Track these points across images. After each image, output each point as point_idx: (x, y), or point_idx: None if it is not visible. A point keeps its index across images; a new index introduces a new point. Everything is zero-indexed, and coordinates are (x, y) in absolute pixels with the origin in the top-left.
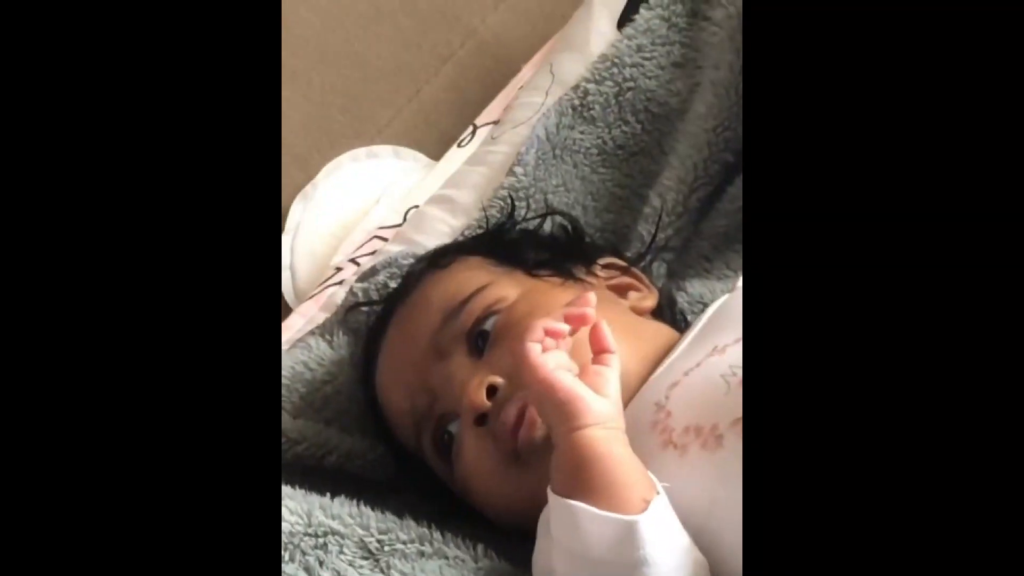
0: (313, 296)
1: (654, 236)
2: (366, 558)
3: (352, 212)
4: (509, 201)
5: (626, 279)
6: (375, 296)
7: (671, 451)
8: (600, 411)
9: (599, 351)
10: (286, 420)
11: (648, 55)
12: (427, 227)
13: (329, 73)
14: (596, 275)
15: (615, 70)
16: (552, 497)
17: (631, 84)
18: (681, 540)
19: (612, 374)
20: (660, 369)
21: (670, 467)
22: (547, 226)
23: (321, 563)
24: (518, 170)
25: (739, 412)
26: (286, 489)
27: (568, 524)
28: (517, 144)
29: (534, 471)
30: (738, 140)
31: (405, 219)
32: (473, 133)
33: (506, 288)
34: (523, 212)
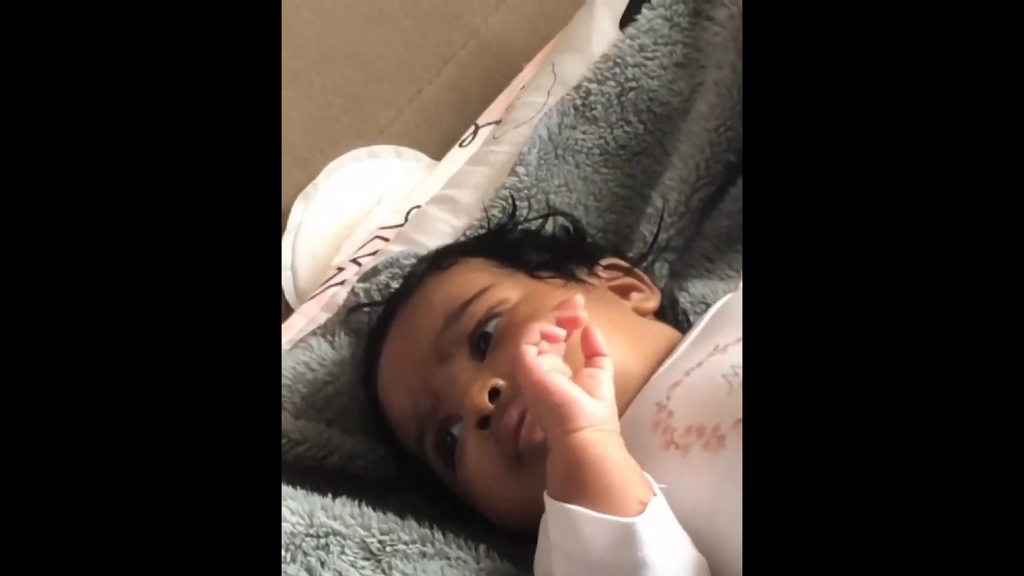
0: (314, 296)
1: (655, 236)
2: (368, 559)
3: (353, 212)
4: (511, 201)
5: (628, 280)
6: (377, 296)
7: (673, 451)
8: (594, 413)
9: (591, 355)
10: (288, 421)
11: (650, 55)
12: (429, 227)
13: (330, 73)
14: (598, 276)
15: (617, 70)
16: (549, 502)
17: (633, 84)
18: (680, 541)
19: (605, 376)
20: (662, 369)
21: (672, 467)
22: (549, 227)
23: (323, 564)
24: (520, 170)
25: (741, 412)
26: (288, 490)
27: (566, 528)
28: (519, 144)
29: (536, 473)
30: (740, 140)
31: (407, 219)
32: (475, 133)
33: (508, 290)
34: (525, 212)
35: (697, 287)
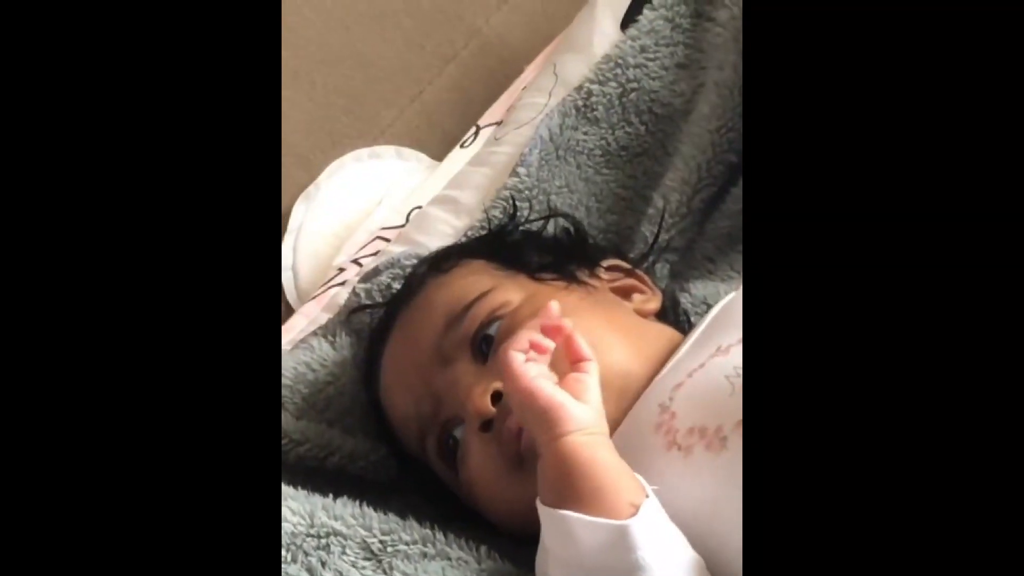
0: (315, 297)
1: (656, 237)
2: (368, 559)
3: (355, 213)
4: (512, 202)
5: (630, 281)
6: (378, 297)
7: (675, 452)
8: (581, 417)
9: (576, 360)
10: (289, 421)
11: (652, 56)
12: (430, 228)
13: (332, 73)
14: (600, 278)
15: (619, 71)
16: (541, 508)
17: (635, 85)
18: (676, 541)
19: (592, 381)
20: (664, 370)
21: (674, 469)
22: (550, 228)
23: (324, 564)
24: (521, 171)
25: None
26: (289, 490)
27: (560, 533)
28: (520, 145)
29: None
30: (742, 141)
31: (408, 220)
32: (476, 134)
33: (509, 292)
34: (526, 213)
35: (698, 288)
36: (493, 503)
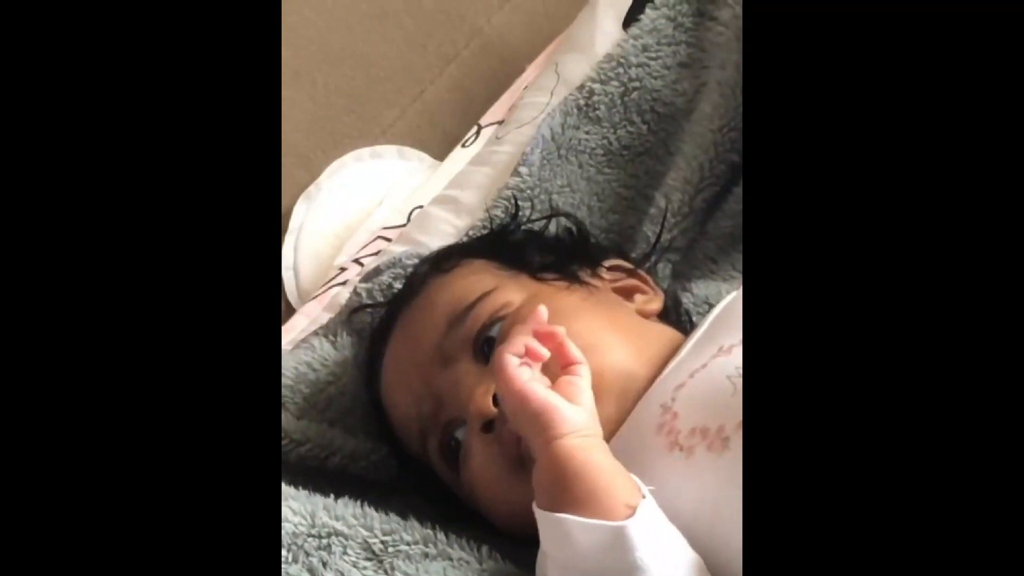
0: (316, 296)
1: (658, 236)
2: (370, 559)
3: (356, 212)
4: (513, 202)
5: (632, 281)
6: (379, 297)
7: (677, 453)
8: (574, 420)
9: (567, 364)
10: (290, 421)
11: (654, 55)
12: (431, 227)
13: (333, 73)
14: (602, 278)
15: (620, 70)
16: (538, 512)
17: (637, 84)
18: (674, 541)
19: (584, 383)
20: (666, 371)
21: (676, 469)
22: (552, 227)
23: (325, 564)
24: (523, 170)
25: None
26: (290, 490)
27: (557, 536)
28: (522, 144)
29: None
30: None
31: (409, 219)
32: (477, 133)
33: (511, 292)
34: (527, 213)
35: (700, 288)
36: (494, 504)
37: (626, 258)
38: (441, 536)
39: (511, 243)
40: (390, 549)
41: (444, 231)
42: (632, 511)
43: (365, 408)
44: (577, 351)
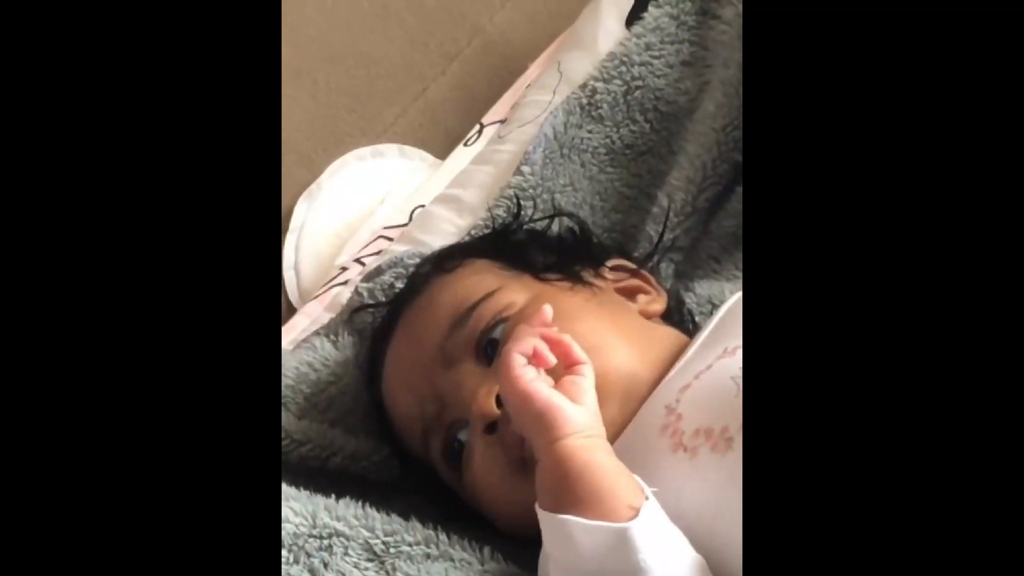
0: (318, 296)
1: (661, 236)
2: (371, 560)
3: (357, 211)
4: (516, 201)
5: (635, 281)
6: (381, 296)
7: (681, 454)
8: (578, 420)
9: (571, 364)
10: (291, 421)
11: (657, 53)
12: (433, 227)
13: (335, 72)
14: (604, 278)
15: (623, 68)
16: (541, 514)
17: (640, 83)
18: (677, 542)
19: (587, 383)
20: (672, 372)
21: (680, 470)
22: (555, 227)
23: (326, 565)
24: (525, 169)
25: None
26: (291, 490)
27: (560, 538)
28: (524, 143)
29: None
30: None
31: (411, 218)
32: (480, 132)
33: (514, 293)
34: (530, 212)
35: (703, 287)
36: (497, 505)
37: (629, 258)
38: (443, 537)
39: (513, 243)
40: (392, 550)
41: (446, 230)
42: (635, 512)
43: (366, 408)
44: (581, 351)
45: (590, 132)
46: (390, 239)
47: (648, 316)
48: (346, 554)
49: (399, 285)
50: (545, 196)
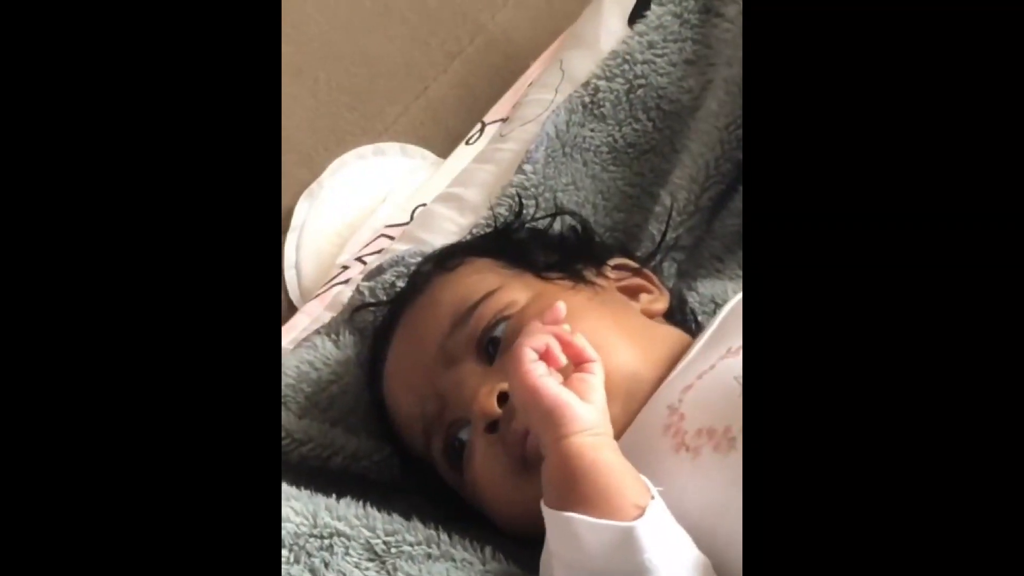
0: (319, 295)
1: (663, 235)
2: (372, 560)
3: (358, 210)
4: (517, 200)
5: (637, 280)
6: (382, 295)
7: (684, 454)
8: (586, 418)
9: (581, 361)
10: (292, 420)
11: (660, 52)
12: (435, 225)
13: (336, 70)
14: (607, 277)
15: (626, 67)
16: (546, 511)
17: (642, 81)
18: (682, 542)
19: (596, 381)
20: (674, 372)
21: (683, 470)
22: (557, 226)
23: (327, 565)
24: (527, 168)
25: None
26: (292, 490)
27: (565, 536)
28: (526, 142)
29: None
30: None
31: (412, 217)
32: (481, 131)
33: (516, 292)
34: (532, 211)
35: (706, 286)
36: (498, 505)
37: (631, 257)
38: (444, 537)
39: (515, 241)
40: (392, 550)
41: (448, 229)
42: (641, 512)
43: (367, 408)
44: (591, 349)
45: (592, 131)
46: (391, 238)
47: (650, 315)
48: (347, 554)
49: (400, 284)
50: (547, 195)
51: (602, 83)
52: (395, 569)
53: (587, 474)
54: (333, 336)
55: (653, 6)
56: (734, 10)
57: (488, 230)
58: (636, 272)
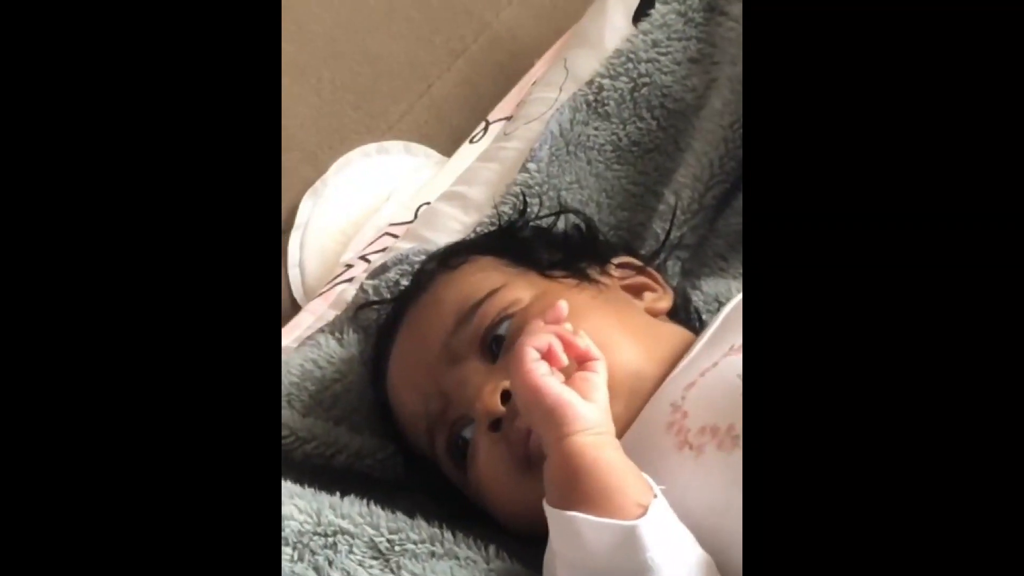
0: (322, 293)
1: (668, 234)
2: (376, 558)
3: (362, 208)
4: (521, 198)
5: (641, 279)
6: (386, 293)
7: (687, 452)
8: (588, 417)
9: (584, 361)
10: (295, 418)
11: (664, 50)
12: (438, 224)
13: (340, 68)
14: (610, 275)
15: (630, 65)
16: (548, 510)
17: (646, 80)
18: (685, 540)
19: (599, 380)
20: (677, 370)
21: (686, 468)
22: (560, 224)
23: (331, 563)
24: (531, 166)
25: None
26: (295, 488)
27: (568, 535)
28: (530, 140)
29: None
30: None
31: (416, 216)
32: (485, 129)
33: (520, 290)
34: (536, 209)
35: (710, 285)
36: (501, 503)
37: (635, 255)
38: (448, 535)
39: (519, 240)
40: (396, 548)
41: (451, 228)
42: (644, 510)
43: (371, 406)
44: (594, 347)
45: (596, 129)
46: (395, 236)
47: (654, 314)
48: (351, 552)
49: (404, 282)
50: (551, 193)
51: (606, 81)
52: (399, 567)
53: (589, 473)
54: (337, 334)
55: (657, 4)
56: (738, 8)
57: (492, 228)
58: (640, 271)
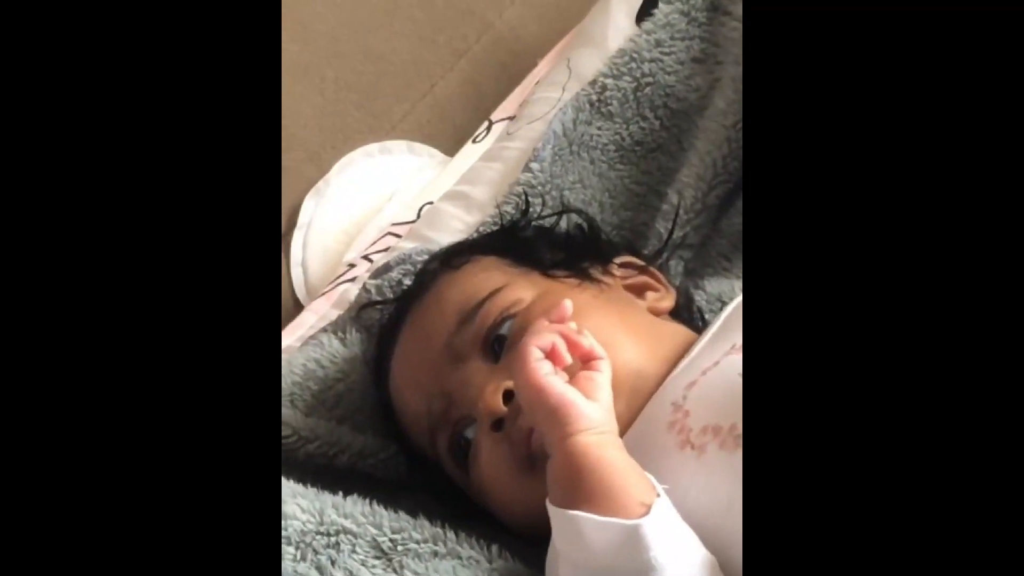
0: (325, 293)
1: (670, 233)
2: (379, 557)
3: (365, 208)
4: (524, 198)
5: (643, 279)
6: (389, 293)
7: (689, 451)
8: (591, 416)
9: (588, 359)
10: (298, 418)
11: (667, 50)
12: (441, 224)
13: (343, 68)
14: (613, 275)
15: (633, 65)
16: (551, 509)
17: (649, 79)
18: (688, 540)
19: (603, 379)
20: (678, 369)
21: (688, 467)
22: (563, 224)
23: (333, 562)
24: (534, 166)
25: None
26: (298, 487)
27: (570, 534)
28: (533, 140)
29: None
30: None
31: (419, 215)
32: (488, 129)
33: (522, 290)
34: (538, 209)
35: (713, 285)
36: (504, 503)
37: (638, 255)
38: (451, 535)
39: (522, 239)
40: (399, 547)
41: (454, 227)
42: (647, 510)
43: (374, 405)
44: (599, 346)
45: (599, 129)
46: (398, 236)
47: (657, 313)
48: (353, 551)
49: (407, 282)
50: (554, 193)
51: (609, 81)
52: (401, 567)
53: (592, 472)
54: (340, 334)
55: (661, 4)
56: (741, 9)
57: (495, 228)
58: (642, 270)
